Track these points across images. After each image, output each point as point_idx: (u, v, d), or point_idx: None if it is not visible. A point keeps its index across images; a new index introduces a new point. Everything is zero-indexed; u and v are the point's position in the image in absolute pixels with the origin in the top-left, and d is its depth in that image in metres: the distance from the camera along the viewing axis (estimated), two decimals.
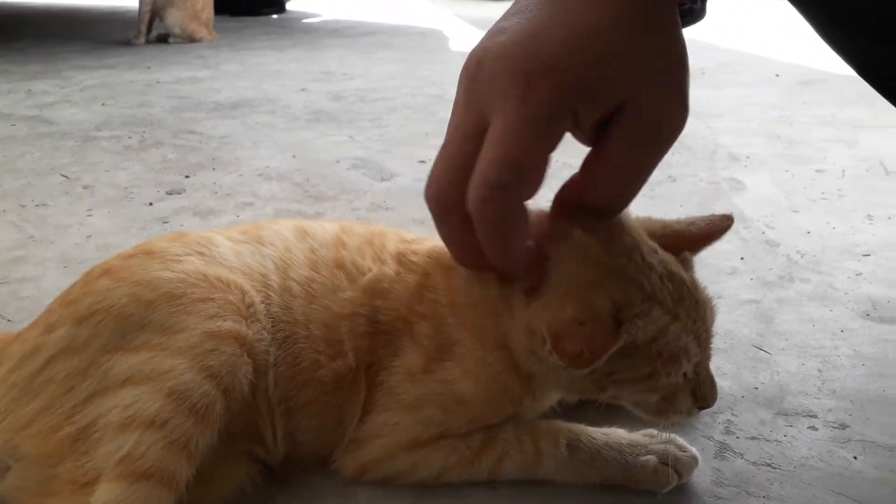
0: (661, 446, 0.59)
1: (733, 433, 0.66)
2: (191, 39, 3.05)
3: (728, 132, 1.60)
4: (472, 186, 0.47)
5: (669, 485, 0.58)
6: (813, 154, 1.44)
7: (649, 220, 0.58)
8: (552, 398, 0.63)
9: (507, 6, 0.51)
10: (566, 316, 0.50)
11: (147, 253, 0.60)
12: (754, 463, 0.62)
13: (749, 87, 2.07)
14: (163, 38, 3.07)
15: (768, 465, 0.62)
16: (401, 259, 0.61)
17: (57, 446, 0.52)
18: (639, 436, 0.61)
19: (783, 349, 0.79)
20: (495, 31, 0.49)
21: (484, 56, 0.48)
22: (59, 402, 0.53)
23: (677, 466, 0.58)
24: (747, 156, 1.44)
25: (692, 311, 0.53)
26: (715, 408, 0.68)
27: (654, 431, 0.61)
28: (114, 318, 0.54)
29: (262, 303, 0.58)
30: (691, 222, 0.58)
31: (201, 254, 0.59)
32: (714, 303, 0.57)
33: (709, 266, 0.97)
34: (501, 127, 0.46)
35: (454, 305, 0.58)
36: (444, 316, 0.58)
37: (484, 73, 0.47)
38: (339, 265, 0.61)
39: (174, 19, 3.02)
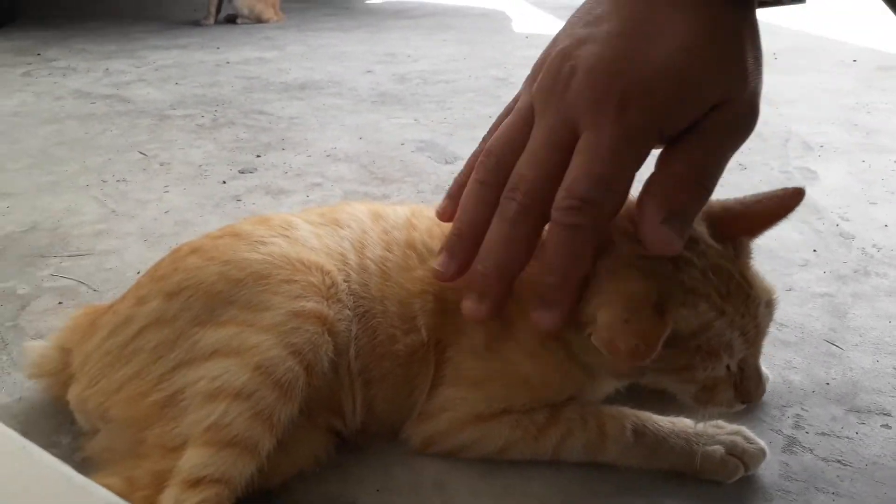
0: (729, 437, 0.59)
1: (802, 428, 0.65)
2: (258, 20, 3.11)
3: (801, 120, 1.55)
4: (563, 196, 0.50)
5: (736, 475, 0.58)
6: (892, 143, 1.39)
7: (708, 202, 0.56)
8: (610, 383, 0.63)
9: None
10: (610, 318, 0.50)
11: (234, 235, 0.63)
12: (824, 459, 0.62)
13: (824, 72, 2.00)
14: (231, 19, 3.13)
15: (838, 461, 0.61)
16: None
17: (145, 412, 0.55)
18: (708, 426, 0.61)
19: (857, 345, 0.77)
20: (584, 37, 0.51)
21: (577, 64, 0.50)
22: (148, 369, 0.56)
23: (744, 458, 0.58)
24: (821, 144, 1.40)
25: (741, 305, 0.53)
26: (784, 402, 0.68)
27: (722, 422, 0.61)
28: (203, 294, 0.57)
29: (343, 282, 0.60)
30: (758, 200, 0.57)
31: (285, 236, 0.62)
32: (775, 294, 0.56)
33: (780, 258, 0.95)
34: (594, 143, 0.49)
35: (514, 289, 0.58)
36: None
37: (577, 83, 0.50)
38: (411, 245, 0.63)
39: (243, 2, 3.09)
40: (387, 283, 0.61)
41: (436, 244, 0.62)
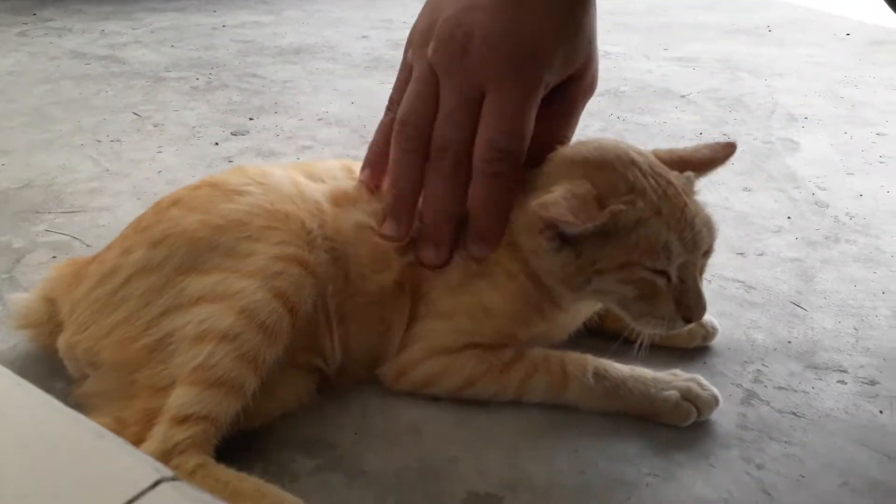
0: (685, 383, 0.63)
1: (762, 382, 0.69)
2: None
3: (789, 92, 1.57)
4: (484, 149, 0.60)
5: (689, 419, 0.62)
6: (875, 117, 1.41)
7: (654, 150, 0.64)
8: (576, 316, 0.67)
9: None
10: (552, 195, 0.57)
11: (211, 185, 0.65)
12: (780, 411, 0.65)
13: (817, 45, 2.01)
14: None
15: (793, 413, 0.65)
16: None
17: (135, 355, 0.58)
18: (664, 373, 0.64)
19: (821, 307, 0.80)
20: (469, 6, 0.60)
21: (471, 31, 0.59)
22: (137, 315, 0.59)
23: (698, 403, 0.62)
24: (806, 116, 1.42)
25: (678, 212, 0.57)
26: (746, 358, 0.71)
27: (678, 371, 0.65)
28: (186, 242, 0.60)
29: (318, 227, 0.63)
30: (696, 149, 0.64)
31: (260, 184, 0.64)
32: (717, 226, 0.61)
33: (754, 224, 0.98)
34: (502, 102, 0.60)
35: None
36: None
37: (474, 50, 0.59)
38: (381, 196, 0.66)
39: None
40: (360, 228, 0.64)
41: None
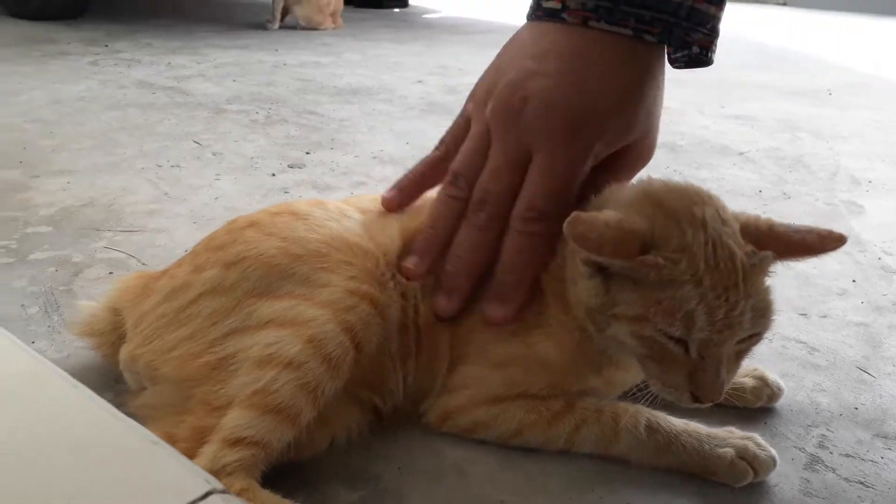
0: (741, 441, 0.59)
1: (827, 448, 0.65)
2: (315, 28, 3.19)
3: (851, 155, 1.54)
4: (523, 209, 0.61)
5: (745, 480, 0.58)
6: None
7: (754, 215, 0.58)
8: (632, 374, 0.64)
9: None
10: (597, 215, 0.54)
11: (292, 213, 0.64)
12: (846, 479, 0.61)
13: (878, 109, 1.98)
14: (291, 24, 3.22)
15: (861, 482, 0.61)
16: None
17: (196, 371, 0.57)
18: (719, 430, 0.61)
19: (889, 374, 0.76)
20: (533, 70, 0.61)
21: (529, 95, 0.60)
22: (202, 333, 0.58)
23: (755, 463, 0.59)
24: (870, 180, 1.39)
25: (721, 288, 0.52)
26: (810, 421, 0.68)
27: (734, 428, 0.62)
28: (262, 266, 0.59)
29: (390, 266, 0.63)
30: (799, 230, 0.57)
31: (339, 221, 0.64)
32: (773, 315, 0.55)
33: (817, 285, 0.95)
34: (548, 165, 0.60)
35: (546, 268, 0.62)
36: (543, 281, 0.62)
37: (530, 112, 0.60)
38: None
39: (300, 13, 3.19)
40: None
41: None
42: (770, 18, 4.93)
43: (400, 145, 1.51)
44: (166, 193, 1.18)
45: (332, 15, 3.26)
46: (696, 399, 0.55)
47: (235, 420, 0.53)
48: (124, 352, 0.62)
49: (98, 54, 2.33)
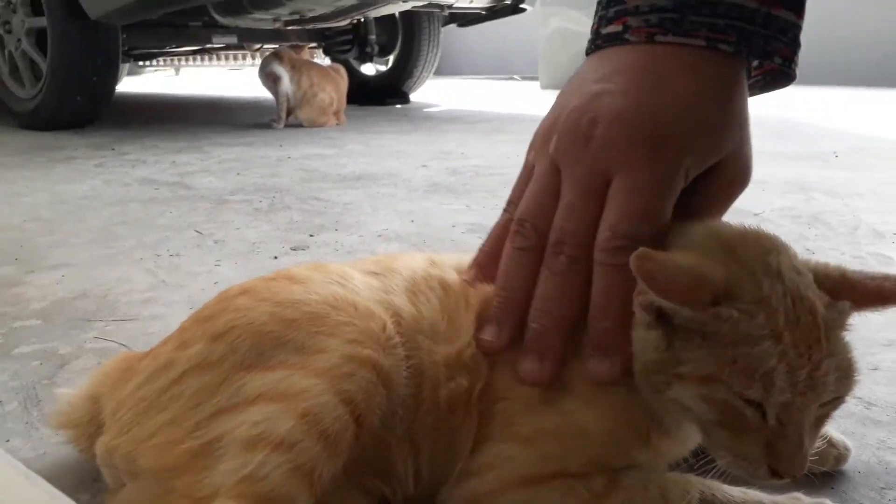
0: None
1: None
2: (320, 126, 3.25)
3: (869, 210, 1.49)
4: (607, 238, 0.52)
5: None
6: None
7: (823, 263, 0.52)
8: (685, 441, 0.56)
9: None
10: (673, 256, 0.48)
11: (289, 278, 0.59)
12: None
13: (888, 170, 1.94)
14: (296, 123, 3.28)
15: None
16: None
17: (176, 459, 0.49)
18: (784, 497, 0.53)
19: None
20: (598, 92, 0.55)
21: (598, 116, 0.53)
22: (185, 416, 0.51)
23: None
24: (894, 232, 1.33)
25: (803, 346, 0.46)
26: (882, 483, 0.60)
27: (801, 495, 0.53)
28: (252, 335, 0.53)
29: (396, 333, 0.56)
30: (872, 277, 0.50)
31: (341, 284, 0.58)
32: (856, 375, 0.49)
33: (861, 338, 0.87)
34: (631, 184, 0.52)
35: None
36: None
37: (602, 132, 0.53)
38: (464, 292, 0.59)
39: (304, 116, 3.27)
40: (437, 331, 0.57)
41: (489, 291, 0.59)
42: (767, 95, 5.01)
43: (405, 223, 1.47)
44: (164, 281, 1.13)
45: (336, 113, 3.33)
46: (774, 473, 0.47)
47: None
48: (100, 444, 0.55)
49: (104, 157, 2.36)
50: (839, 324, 0.49)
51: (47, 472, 0.64)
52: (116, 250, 1.30)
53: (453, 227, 1.43)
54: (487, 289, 0.59)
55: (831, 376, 0.46)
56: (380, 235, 1.38)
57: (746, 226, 0.53)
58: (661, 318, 0.49)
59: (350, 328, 0.53)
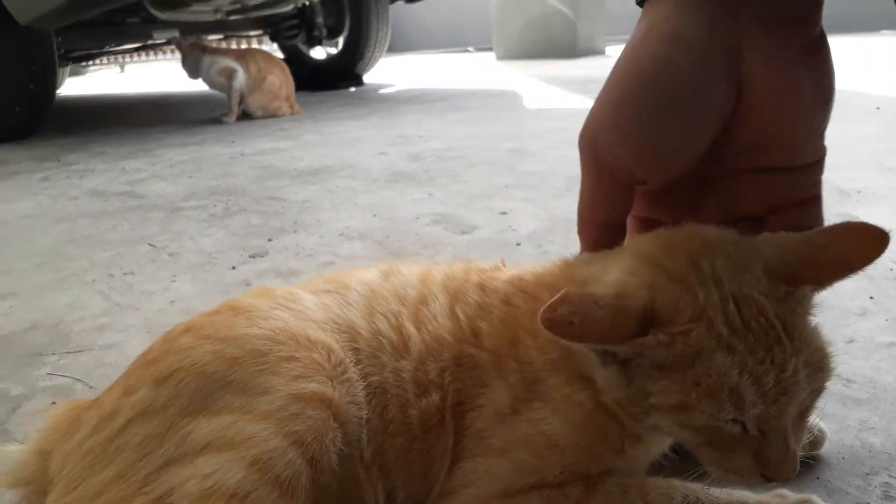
0: None
1: (894, 498, 0.55)
2: (273, 116, 3.17)
3: (834, 168, 1.48)
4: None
5: None
6: None
7: (773, 238, 0.48)
8: (657, 445, 0.54)
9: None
10: (592, 294, 0.45)
11: (233, 309, 0.57)
12: None
13: (850, 122, 1.95)
14: (248, 114, 3.19)
15: None
16: (483, 287, 0.57)
17: None
18: (768, 495, 0.52)
19: None
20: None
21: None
22: (132, 469, 0.49)
23: None
24: (858, 190, 1.33)
25: (762, 351, 0.43)
26: (867, 468, 0.58)
27: (786, 491, 0.52)
28: (195, 377, 0.51)
29: (352, 361, 0.54)
30: (826, 245, 0.46)
31: (288, 308, 0.56)
32: (830, 362, 0.46)
33: (833, 308, 0.86)
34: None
35: (537, 336, 0.52)
36: (528, 348, 0.52)
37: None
38: (423, 302, 0.56)
39: (256, 103, 3.17)
40: (399, 345, 0.54)
41: (449, 299, 0.57)
42: None
43: (367, 219, 1.43)
44: (118, 304, 1.08)
45: (287, 99, 3.24)
46: (768, 479, 0.45)
47: None
48: (49, 502, 0.51)
49: (49, 169, 2.26)
50: (801, 314, 0.45)
51: None
52: (66, 273, 1.24)
53: (417, 218, 1.40)
54: (441, 298, 0.57)
55: (802, 374, 0.44)
56: (341, 234, 1.34)
57: (669, 231, 0.50)
58: (608, 356, 0.46)
59: (293, 364, 0.51)
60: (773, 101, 0.51)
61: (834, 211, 1.22)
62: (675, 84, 0.51)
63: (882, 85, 2.42)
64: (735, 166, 0.54)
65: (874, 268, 0.96)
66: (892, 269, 0.96)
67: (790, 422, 0.45)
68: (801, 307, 0.46)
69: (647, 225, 0.58)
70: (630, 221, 0.59)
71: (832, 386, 0.69)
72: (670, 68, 0.51)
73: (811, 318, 0.46)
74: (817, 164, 0.56)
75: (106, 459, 0.50)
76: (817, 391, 0.46)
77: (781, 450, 0.45)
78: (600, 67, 3.52)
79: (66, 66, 4.70)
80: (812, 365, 0.44)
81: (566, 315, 0.43)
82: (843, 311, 0.86)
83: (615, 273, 0.48)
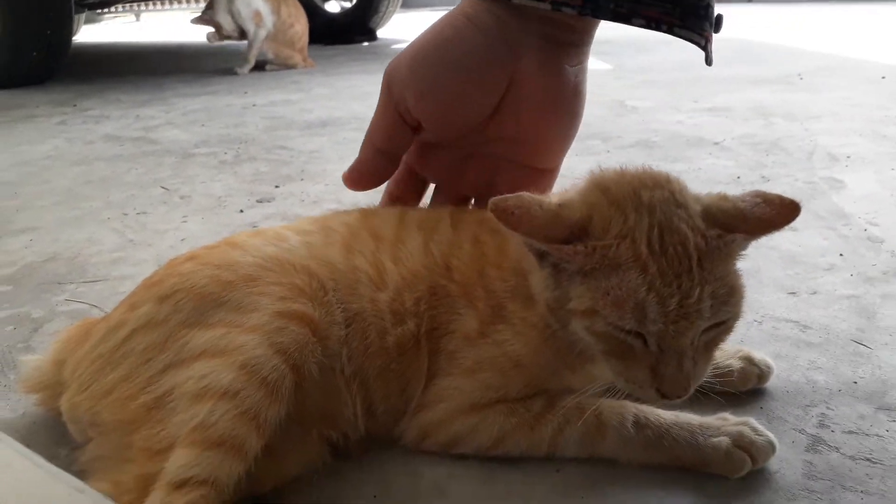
0: (735, 428, 0.56)
1: (828, 427, 0.61)
2: (286, 65, 3.19)
3: (827, 133, 1.52)
4: None
5: (742, 469, 0.55)
6: None
7: (721, 195, 0.54)
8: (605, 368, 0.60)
9: None
10: (537, 197, 0.52)
11: (229, 244, 0.64)
12: (851, 457, 0.58)
13: (851, 89, 1.96)
14: (261, 66, 3.22)
15: (867, 459, 0.57)
16: (455, 225, 0.64)
17: (133, 414, 0.54)
18: (712, 419, 0.58)
19: (886, 344, 0.73)
20: None
21: None
22: (137, 372, 0.55)
23: (752, 450, 0.55)
24: (848, 156, 1.36)
25: (671, 275, 0.49)
26: (808, 401, 0.64)
27: (727, 415, 0.58)
28: (194, 297, 0.57)
29: (332, 289, 0.60)
30: (756, 205, 0.52)
31: (276, 246, 0.62)
32: (738, 300, 0.51)
33: (804, 263, 0.91)
34: None
35: (500, 268, 0.59)
36: (492, 278, 0.59)
37: None
38: (399, 239, 0.62)
39: (274, 49, 3.19)
40: (377, 278, 0.60)
41: (424, 237, 0.63)
42: (737, 17, 4.96)
43: None
44: (131, 241, 1.15)
45: (301, 51, 3.26)
46: (662, 395, 0.51)
47: (178, 461, 0.49)
48: (64, 401, 0.59)
49: (66, 114, 2.32)
50: (721, 254, 0.51)
51: (27, 430, 0.67)
52: (83, 211, 1.31)
53: None
54: (417, 236, 0.63)
55: (706, 303, 0.49)
56: None
57: (633, 168, 0.56)
58: (544, 258, 0.53)
59: (279, 287, 0.58)
60: (538, 97, 0.66)
61: (821, 175, 1.26)
62: (462, 51, 0.65)
63: (891, 54, 2.42)
64: (495, 151, 0.70)
65: (849, 229, 1.02)
66: (865, 230, 1.00)
67: (689, 345, 0.51)
68: (727, 249, 0.51)
69: (413, 177, 0.75)
70: (402, 167, 0.73)
71: (788, 330, 0.75)
72: (463, 41, 0.65)
73: (735, 261, 0.52)
74: (553, 172, 0.72)
75: (113, 363, 0.57)
76: (725, 325, 0.52)
77: (676, 368, 0.50)
78: None
79: (82, 12, 4.71)
80: (717, 298, 0.50)
81: (511, 206, 0.50)
82: (812, 266, 0.91)
83: (571, 193, 0.55)
